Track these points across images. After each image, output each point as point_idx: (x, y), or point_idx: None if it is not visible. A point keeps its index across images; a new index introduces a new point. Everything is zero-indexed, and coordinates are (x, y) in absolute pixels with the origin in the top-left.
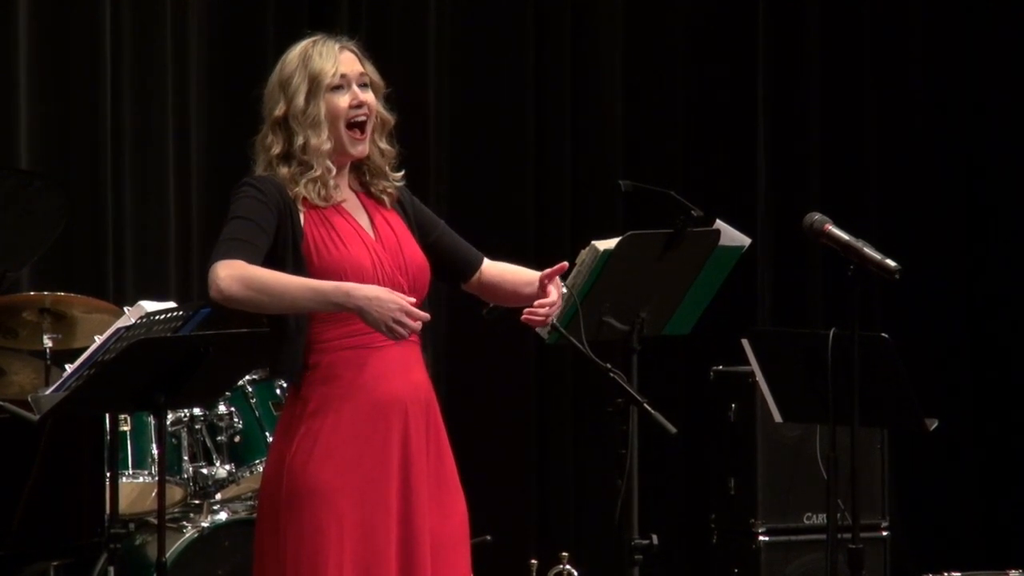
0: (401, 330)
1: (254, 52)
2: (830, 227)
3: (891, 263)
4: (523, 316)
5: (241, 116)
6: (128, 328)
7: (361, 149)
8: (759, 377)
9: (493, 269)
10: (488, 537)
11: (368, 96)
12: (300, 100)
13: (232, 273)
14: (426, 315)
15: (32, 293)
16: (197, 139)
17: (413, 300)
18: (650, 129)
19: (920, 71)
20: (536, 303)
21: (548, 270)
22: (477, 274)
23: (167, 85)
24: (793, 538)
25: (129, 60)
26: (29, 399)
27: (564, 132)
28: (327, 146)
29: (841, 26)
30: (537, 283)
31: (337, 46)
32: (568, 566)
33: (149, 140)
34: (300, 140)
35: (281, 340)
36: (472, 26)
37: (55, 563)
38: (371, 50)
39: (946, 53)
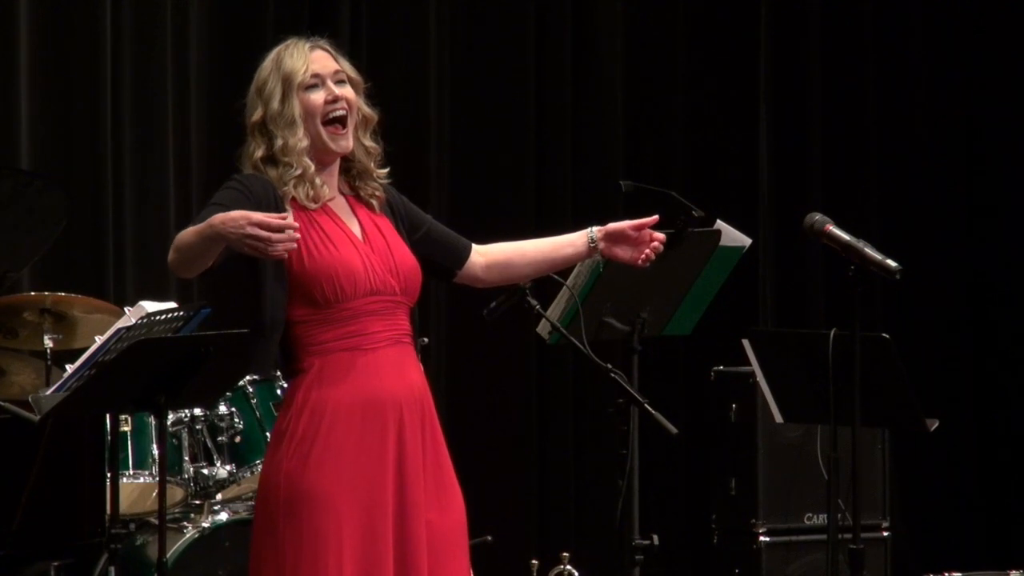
0: (261, 245)
1: (254, 53)
2: (831, 227)
3: (892, 263)
4: (643, 258)
5: (241, 117)
6: (129, 328)
7: (344, 144)
8: (760, 377)
9: (499, 247)
10: (488, 537)
11: (345, 91)
12: (275, 102)
13: (173, 244)
14: (286, 219)
15: (32, 293)
16: (197, 140)
17: (285, 215)
18: (650, 128)
19: (921, 71)
20: (656, 238)
21: (639, 221)
22: (474, 258)
23: (167, 86)
24: (794, 538)
25: (129, 60)
26: (30, 399)
27: (564, 132)
28: (303, 144)
29: (842, 25)
30: (580, 242)
31: (308, 45)
32: (568, 566)
33: (149, 141)
34: (279, 142)
35: (255, 336)
36: (472, 26)
37: (55, 563)
38: (371, 50)
39: (947, 52)
